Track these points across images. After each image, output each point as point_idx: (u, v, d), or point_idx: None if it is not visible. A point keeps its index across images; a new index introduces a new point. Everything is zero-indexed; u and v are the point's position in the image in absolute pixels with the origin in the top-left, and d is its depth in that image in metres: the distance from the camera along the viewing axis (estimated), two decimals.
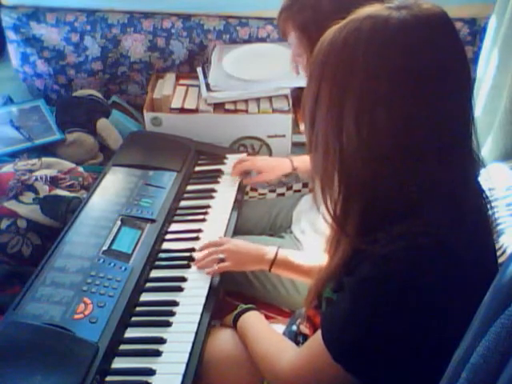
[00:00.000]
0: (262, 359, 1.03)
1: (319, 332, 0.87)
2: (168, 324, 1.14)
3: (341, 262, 0.85)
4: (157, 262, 1.31)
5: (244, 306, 1.18)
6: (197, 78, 1.89)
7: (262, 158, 1.69)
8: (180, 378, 1.02)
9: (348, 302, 0.82)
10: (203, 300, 1.19)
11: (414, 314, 0.76)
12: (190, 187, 1.59)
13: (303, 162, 1.63)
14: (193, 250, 1.34)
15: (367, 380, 0.83)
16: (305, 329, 1.11)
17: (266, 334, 1.08)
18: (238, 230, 1.47)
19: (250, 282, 1.44)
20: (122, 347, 1.10)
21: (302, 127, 1.87)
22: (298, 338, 1.11)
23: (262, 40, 1.98)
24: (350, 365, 0.82)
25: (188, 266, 1.29)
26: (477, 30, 1.85)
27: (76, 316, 1.10)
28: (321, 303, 0.95)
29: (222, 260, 1.27)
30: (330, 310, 0.88)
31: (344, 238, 0.84)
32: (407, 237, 0.75)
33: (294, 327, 1.14)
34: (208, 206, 1.50)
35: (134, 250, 1.29)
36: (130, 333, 1.13)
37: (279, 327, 1.18)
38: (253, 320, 1.14)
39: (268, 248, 1.26)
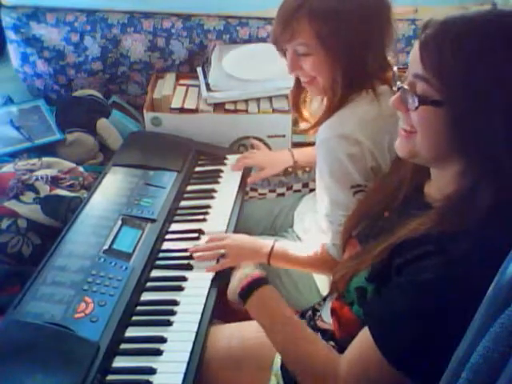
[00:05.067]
0: (300, 364, 0.98)
1: (366, 334, 0.85)
2: (169, 323, 1.14)
3: (387, 250, 0.85)
4: (157, 262, 1.31)
5: (251, 273, 1.13)
6: (197, 78, 1.90)
7: (263, 154, 1.70)
8: (181, 376, 1.02)
9: (410, 300, 0.81)
10: (204, 299, 1.20)
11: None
12: (190, 187, 1.60)
13: (303, 154, 1.64)
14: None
15: (420, 381, 0.82)
16: (323, 324, 1.10)
17: (298, 333, 1.01)
18: (239, 230, 1.47)
19: None
20: (123, 346, 1.10)
21: (301, 126, 1.87)
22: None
23: (262, 40, 1.97)
24: (403, 365, 0.81)
25: (188, 266, 1.29)
26: None
27: (77, 315, 1.10)
28: (343, 293, 0.94)
29: (222, 256, 1.29)
30: (378, 307, 0.87)
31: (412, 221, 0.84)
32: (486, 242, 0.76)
33: None
34: (208, 206, 1.51)
35: (134, 250, 1.29)
36: (131, 332, 1.13)
37: None
38: (272, 305, 1.06)
39: (265, 241, 1.30)
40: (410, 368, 0.81)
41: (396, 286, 0.84)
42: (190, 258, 1.32)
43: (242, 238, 1.33)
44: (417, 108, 0.80)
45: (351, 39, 1.15)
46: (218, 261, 1.29)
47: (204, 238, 1.37)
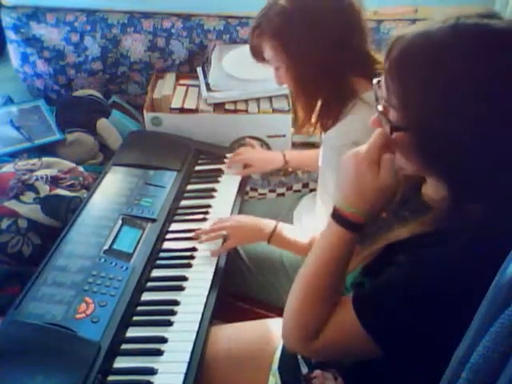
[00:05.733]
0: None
1: (348, 300, 0.86)
2: (169, 323, 1.14)
3: (382, 248, 0.87)
4: (158, 262, 1.32)
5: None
6: (197, 78, 1.90)
7: (255, 152, 1.71)
8: (182, 376, 1.02)
9: (402, 274, 0.82)
10: (204, 299, 1.20)
11: (459, 308, 0.76)
12: (190, 187, 1.60)
13: (295, 156, 1.65)
14: (194, 249, 1.34)
15: (389, 352, 0.83)
16: None
17: (325, 292, 0.91)
18: None
19: (249, 282, 1.45)
20: (124, 346, 1.10)
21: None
22: None
23: None
24: (377, 332, 0.82)
25: (189, 265, 1.30)
26: None
27: (78, 315, 1.10)
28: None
29: (225, 238, 1.33)
30: (368, 285, 0.88)
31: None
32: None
33: None
34: (208, 206, 1.51)
35: (135, 250, 1.29)
36: (132, 332, 1.13)
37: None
38: (341, 253, 0.90)
39: (268, 221, 1.33)
40: (383, 336, 0.82)
41: (393, 266, 0.85)
42: (191, 257, 1.32)
43: (245, 219, 1.36)
44: (390, 134, 0.81)
45: (308, 49, 1.21)
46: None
47: (208, 223, 1.41)
